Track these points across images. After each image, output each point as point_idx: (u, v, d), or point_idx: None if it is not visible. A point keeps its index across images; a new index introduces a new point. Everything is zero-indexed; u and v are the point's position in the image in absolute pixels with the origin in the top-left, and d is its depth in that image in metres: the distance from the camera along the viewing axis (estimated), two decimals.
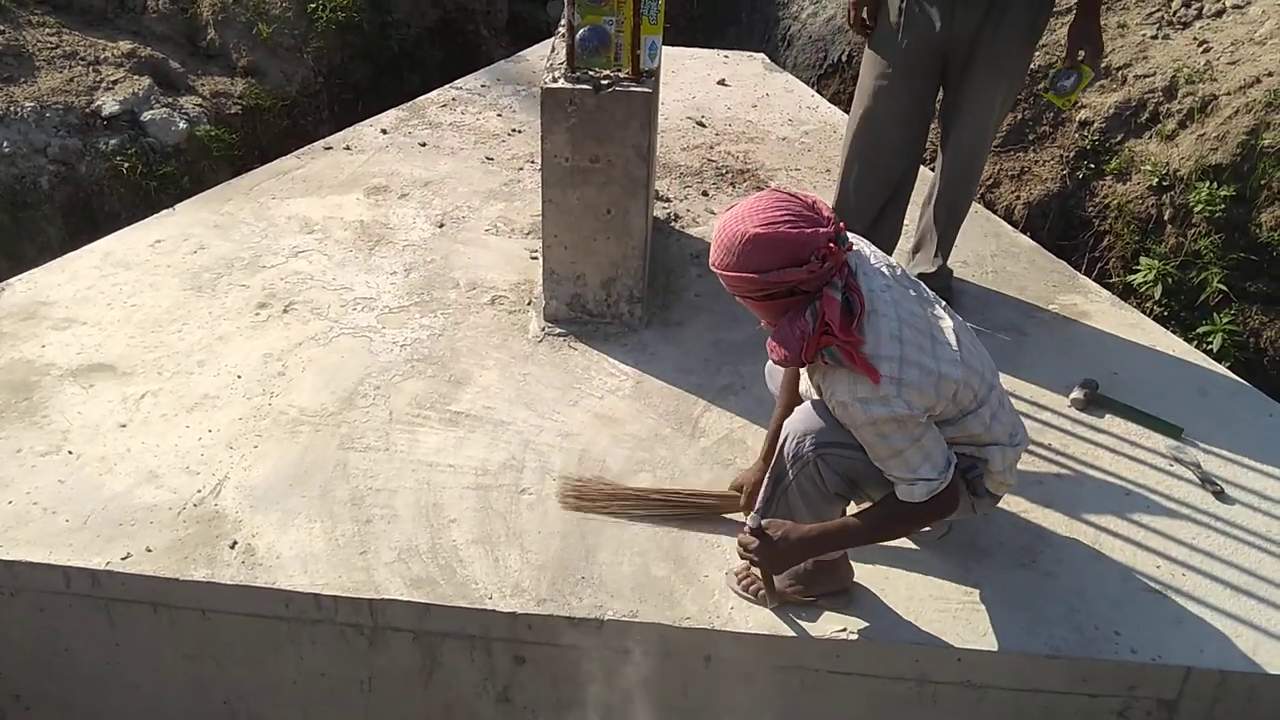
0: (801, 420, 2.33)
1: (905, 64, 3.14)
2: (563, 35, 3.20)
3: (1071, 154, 4.99)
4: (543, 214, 3.28)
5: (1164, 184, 4.62)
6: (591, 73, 3.08)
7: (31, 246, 4.31)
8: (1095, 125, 4.96)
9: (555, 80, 3.08)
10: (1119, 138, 4.91)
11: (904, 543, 2.67)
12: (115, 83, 4.68)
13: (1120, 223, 4.76)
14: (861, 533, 2.35)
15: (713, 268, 2.18)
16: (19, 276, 3.58)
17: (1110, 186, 4.85)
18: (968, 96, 3.17)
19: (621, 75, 3.08)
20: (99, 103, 4.58)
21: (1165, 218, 4.60)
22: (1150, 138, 4.82)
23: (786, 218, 2.10)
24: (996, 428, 2.35)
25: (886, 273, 2.29)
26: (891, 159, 3.31)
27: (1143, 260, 4.58)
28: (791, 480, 2.35)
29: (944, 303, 2.35)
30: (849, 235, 2.21)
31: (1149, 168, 4.69)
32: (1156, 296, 4.48)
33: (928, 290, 2.36)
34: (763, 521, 2.32)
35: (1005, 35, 3.06)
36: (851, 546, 2.46)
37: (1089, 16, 3.13)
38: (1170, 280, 4.43)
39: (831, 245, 2.11)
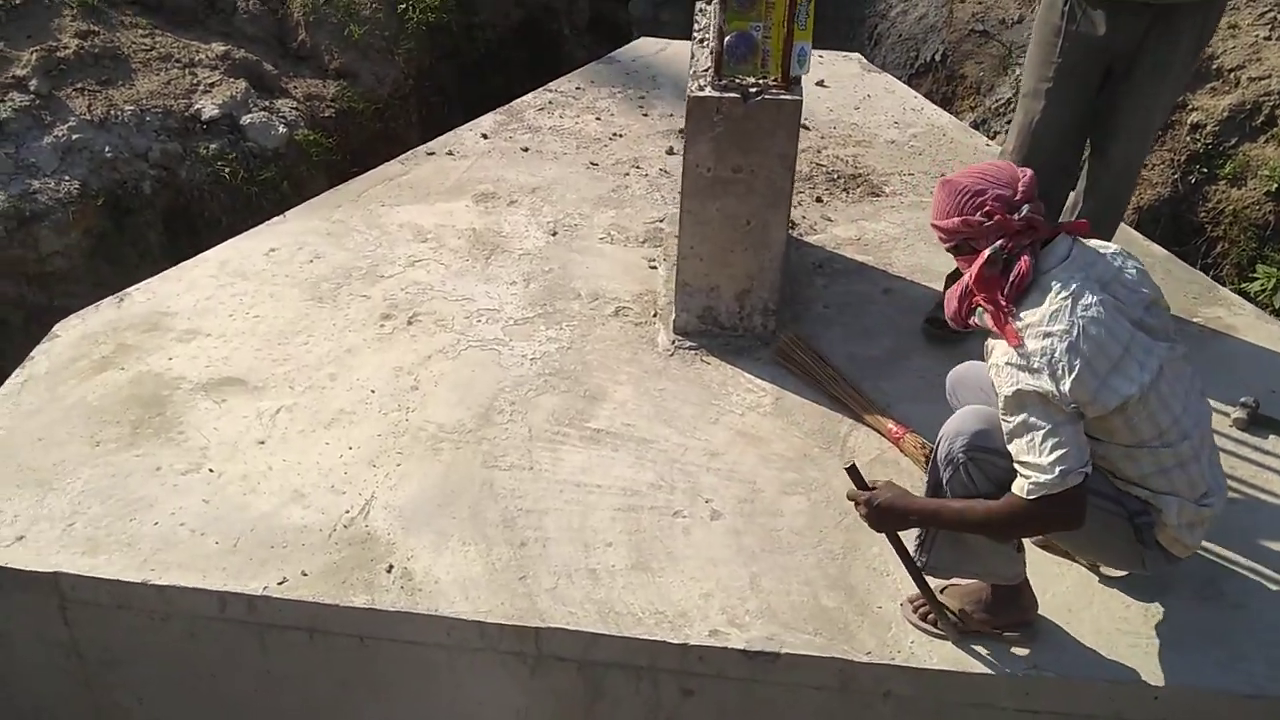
0: (954, 422, 2.32)
1: (1066, 67, 3.01)
2: (704, 41, 3.11)
3: (1183, 158, 4.86)
4: (680, 225, 3.19)
5: None
6: (739, 80, 2.98)
7: (133, 252, 4.26)
8: (1208, 129, 4.82)
9: (702, 89, 2.98)
10: (1233, 141, 4.77)
11: (1084, 573, 2.58)
12: (212, 85, 4.62)
13: (1235, 228, 4.63)
14: (966, 520, 2.26)
15: None
16: (136, 286, 3.52)
17: (1224, 191, 4.71)
18: (1128, 105, 3.04)
19: (769, 83, 2.98)
20: (198, 106, 4.52)
21: None
22: (1266, 141, 4.68)
23: (977, 173, 2.20)
24: (1179, 478, 2.25)
25: (1108, 280, 2.21)
26: (1046, 165, 3.17)
27: (1260, 268, 4.45)
28: (945, 483, 2.32)
29: (1184, 349, 2.29)
30: (1067, 234, 2.22)
31: (1266, 172, 4.55)
32: (1276, 305, 4.36)
33: (1169, 324, 2.29)
34: (871, 484, 2.33)
35: (1171, 42, 2.92)
36: (952, 529, 2.32)
37: None
38: None
39: (997, 205, 2.13)
